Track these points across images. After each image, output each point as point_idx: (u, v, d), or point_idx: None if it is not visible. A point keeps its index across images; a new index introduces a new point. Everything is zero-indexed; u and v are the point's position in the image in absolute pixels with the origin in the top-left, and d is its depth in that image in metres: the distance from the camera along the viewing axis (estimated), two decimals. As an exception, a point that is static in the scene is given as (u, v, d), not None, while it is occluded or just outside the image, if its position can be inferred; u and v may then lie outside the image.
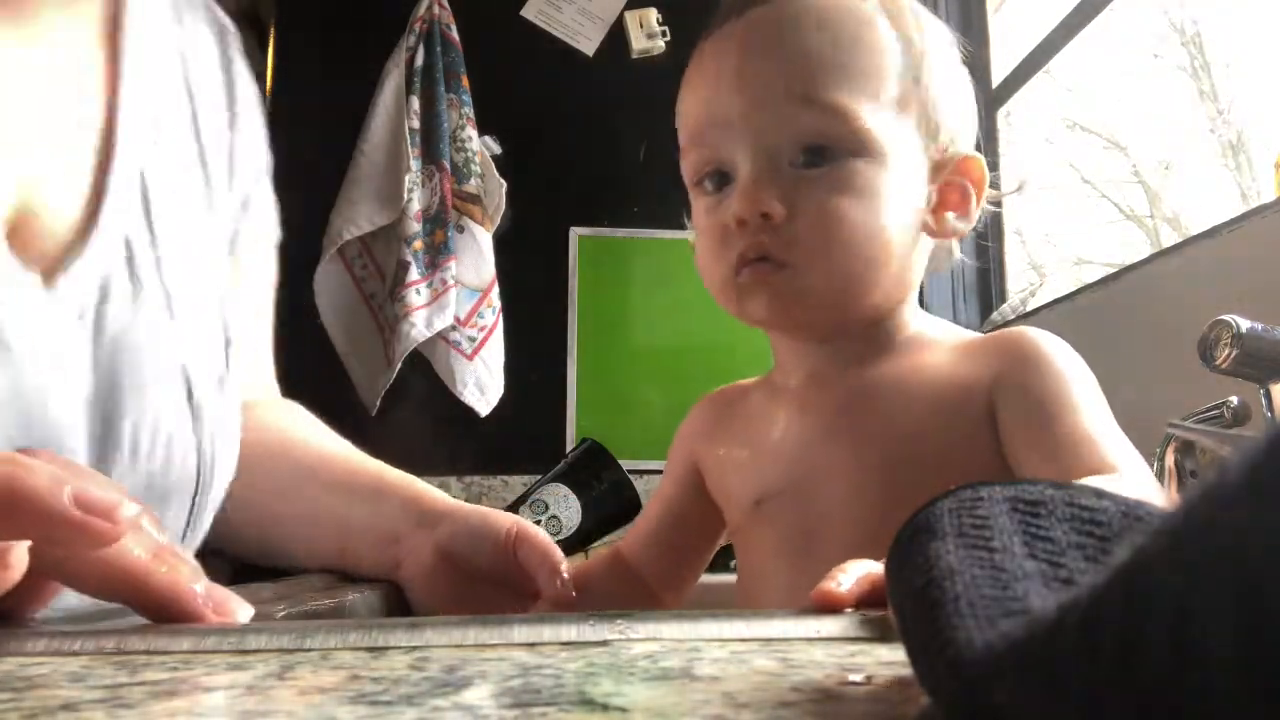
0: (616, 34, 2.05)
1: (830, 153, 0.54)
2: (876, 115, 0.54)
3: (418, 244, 1.83)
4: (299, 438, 0.69)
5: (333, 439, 0.71)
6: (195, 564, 0.34)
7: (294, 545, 0.65)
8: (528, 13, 2.04)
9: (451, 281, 1.83)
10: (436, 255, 1.84)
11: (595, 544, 1.41)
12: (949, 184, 0.58)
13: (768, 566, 0.59)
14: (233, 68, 0.66)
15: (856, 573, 0.34)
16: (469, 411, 1.87)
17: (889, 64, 0.56)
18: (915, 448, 0.55)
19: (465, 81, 1.93)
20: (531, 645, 0.27)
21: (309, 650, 0.27)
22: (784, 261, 0.54)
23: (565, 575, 0.55)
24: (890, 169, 0.55)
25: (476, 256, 1.89)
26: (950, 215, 0.58)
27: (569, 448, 1.82)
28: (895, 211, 0.55)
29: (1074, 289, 1.39)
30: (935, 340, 0.59)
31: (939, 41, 0.59)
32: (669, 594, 0.67)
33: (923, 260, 0.60)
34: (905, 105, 0.56)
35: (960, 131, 0.59)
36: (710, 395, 0.68)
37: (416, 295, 1.81)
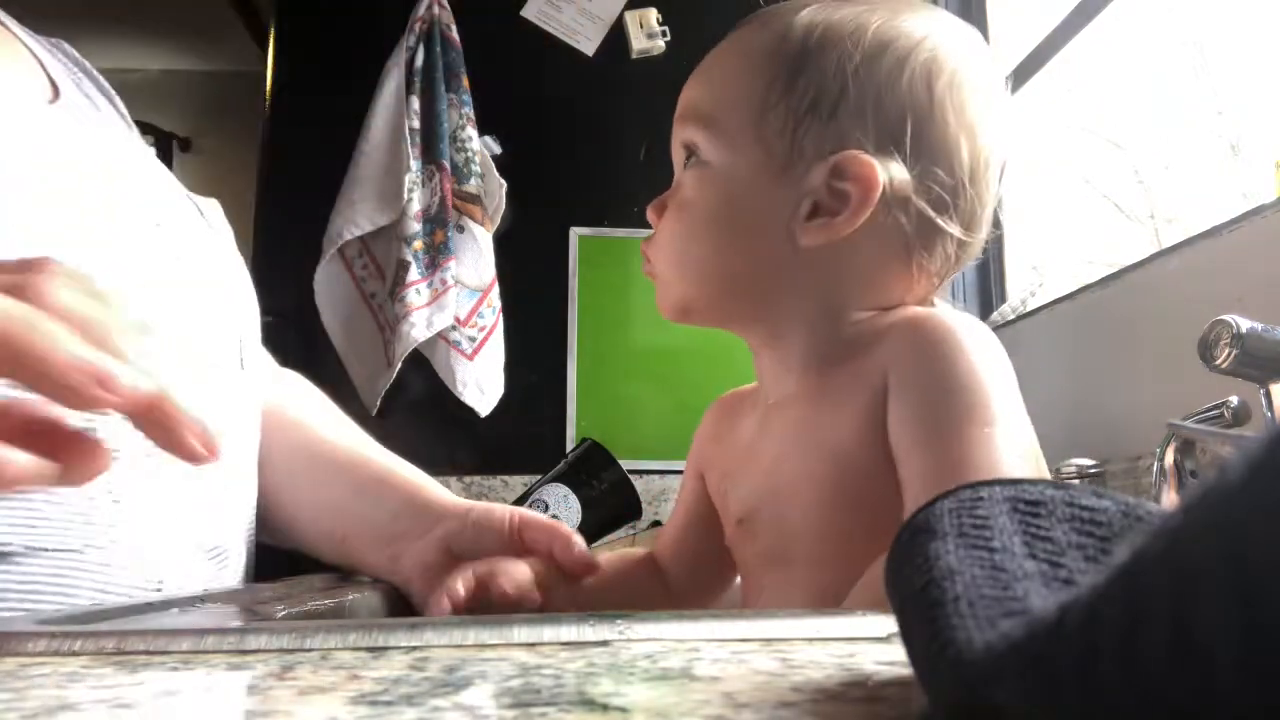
0: (616, 34, 2.05)
1: (690, 160, 0.59)
2: (727, 121, 0.57)
3: (418, 244, 1.83)
4: (310, 421, 0.71)
5: (342, 425, 0.73)
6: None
7: (298, 527, 0.66)
8: (528, 13, 2.04)
9: (451, 281, 1.83)
10: (436, 255, 1.84)
11: (596, 544, 1.41)
12: (832, 189, 0.54)
13: (755, 580, 0.60)
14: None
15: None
16: (469, 411, 1.87)
17: (752, 79, 0.56)
18: (855, 461, 0.52)
19: (465, 81, 1.93)
20: (531, 645, 0.27)
21: (309, 650, 0.27)
22: (651, 257, 0.61)
23: (578, 545, 0.58)
24: (729, 173, 0.57)
25: (476, 256, 1.89)
26: (816, 221, 0.54)
27: (569, 448, 1.82)
28: (735, 212, 0.56)
29: (1074, 289, 1.39)
30: (876, 330, 0.55)
31: (853, 49, 0.55)
32: (697, 603, 0.67)
33: (840, 266, 0.56)
34: (764, 115, 0.55)
35: (858, 133, 0.54)
36: (719, 400, 0.68)
37: (416, 295, 1.80)
